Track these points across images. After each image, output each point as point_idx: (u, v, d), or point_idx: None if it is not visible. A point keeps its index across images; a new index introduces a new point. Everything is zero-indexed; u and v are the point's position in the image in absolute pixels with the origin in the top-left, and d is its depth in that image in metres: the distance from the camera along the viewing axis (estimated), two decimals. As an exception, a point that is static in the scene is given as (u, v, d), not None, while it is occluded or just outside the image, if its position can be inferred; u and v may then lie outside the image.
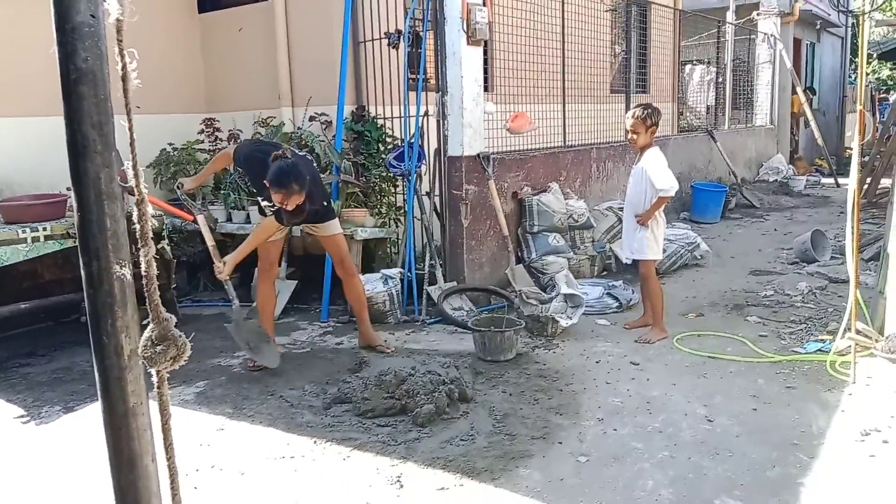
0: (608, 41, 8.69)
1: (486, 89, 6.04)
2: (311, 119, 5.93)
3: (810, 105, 13.80)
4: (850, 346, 3.94)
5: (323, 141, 5.69)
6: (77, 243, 1.05)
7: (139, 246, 1.01)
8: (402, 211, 5.75)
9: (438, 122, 5.47)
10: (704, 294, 5.83)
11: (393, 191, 5.96)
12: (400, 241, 5.71)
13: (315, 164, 4.53)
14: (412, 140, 5.44)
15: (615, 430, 3.37)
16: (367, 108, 5.97)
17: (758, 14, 12.91)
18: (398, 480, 2.94)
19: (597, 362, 4.30)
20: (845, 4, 16.48)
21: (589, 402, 3.71)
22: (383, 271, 5.35)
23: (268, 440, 3.37)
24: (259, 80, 6.47)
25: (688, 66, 12.44)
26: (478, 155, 5.53)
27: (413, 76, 5.49)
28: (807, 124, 14.10)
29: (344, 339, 4.89)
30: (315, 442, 3.33)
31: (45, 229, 4.39)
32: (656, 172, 4.59)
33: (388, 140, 5.92)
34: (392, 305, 5.24)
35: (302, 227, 4.52)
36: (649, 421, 3.45)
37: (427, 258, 5.48)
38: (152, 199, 4.48)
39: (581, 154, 7.23)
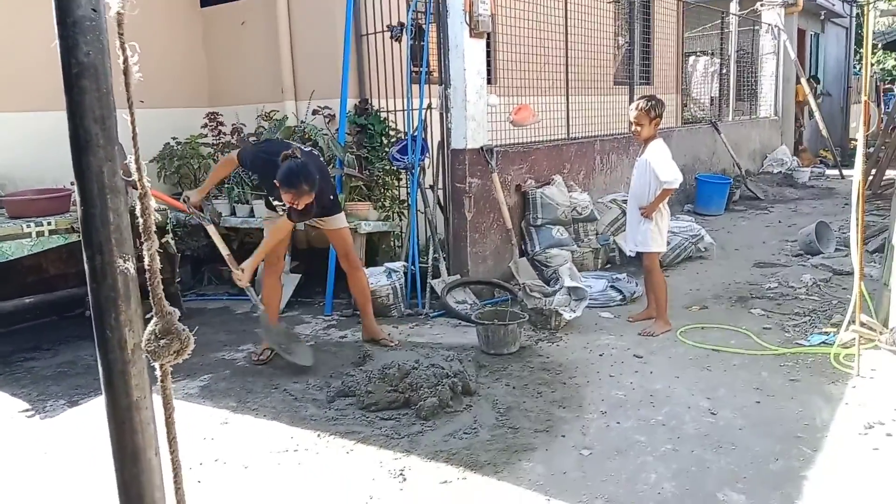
0: (611, 32, 8.65)
1: (489, 82, 6.03)
2: (315, 112, 5.93)
3: (814, 94, 13.73)
4: (854, 339, 3.93)
5: (326, 134, 5.68)
6: (81, 237, 1.05)
7: (143, 240, 1.01)
8: (406, 204, 5.75)
9: (441, 114, 5.46)
10: (708, 286, 5.82)
11: (396, 184, 5.96)
12: (403, 235, 5.71)
13: (322, 160, 4.53)
14: (415, 133, 5.43)
15: (618, 423, 3.37)
16: (370, 102, 5.97)
17: (761, 4, 12.82)
18: (401, 474, 2.95)
19: (600, 355, 4.31)
20: (850, -6, 16.39)
21: (592, 395, 3.71)
22: (387, 265, 5.35)
23: (272, 434, 3.38)
24: (262, 73, 6.46)
25: (692, 58, 12.40)
26: (481, 148, 5.52)
27: (416, 69, 5.48)
28: (811, 115, 14.04)
29: (348, 333, 4.89)
30: (319, 435, 3.33)
31: (49, 224, 4.39)
32: (660, 164, 4.57)
33: (392, 133, 5.92)
34: (395, 299, 5.24)
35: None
36: (652, 414, 3.45)
37: (430, 251, 5.48)
38: (156, 193, 4.46)
39: (585, 146, 7.22)
